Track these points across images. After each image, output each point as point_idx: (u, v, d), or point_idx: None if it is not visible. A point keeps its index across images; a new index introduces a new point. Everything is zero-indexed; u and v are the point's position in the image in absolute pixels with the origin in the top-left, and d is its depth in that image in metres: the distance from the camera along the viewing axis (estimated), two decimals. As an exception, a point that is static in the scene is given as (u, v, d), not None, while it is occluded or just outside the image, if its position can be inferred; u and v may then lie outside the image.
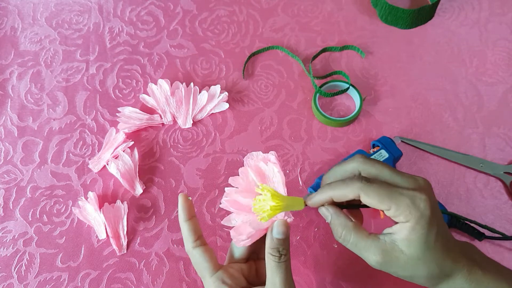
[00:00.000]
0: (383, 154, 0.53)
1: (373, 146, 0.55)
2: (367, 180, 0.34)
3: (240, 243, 0.37)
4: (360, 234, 0.35)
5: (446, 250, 0.34)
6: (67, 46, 0.65)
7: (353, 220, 0.36)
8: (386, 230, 0.35)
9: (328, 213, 0.36)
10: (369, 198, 0.33)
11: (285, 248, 0.36)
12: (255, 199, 0.36)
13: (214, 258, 0.39)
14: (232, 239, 0.39)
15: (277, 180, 0.38)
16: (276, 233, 0.36)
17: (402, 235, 0.33)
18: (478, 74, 0.61)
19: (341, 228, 0.35)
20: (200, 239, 0.39)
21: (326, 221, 0.37)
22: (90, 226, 0.52)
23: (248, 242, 0.38)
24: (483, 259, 0.36)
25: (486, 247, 0.50)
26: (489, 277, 0.34)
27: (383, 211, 0.34)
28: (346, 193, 0.34)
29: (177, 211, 0.42)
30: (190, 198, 0.39)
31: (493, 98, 0.60)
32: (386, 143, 0.54)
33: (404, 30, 0.65)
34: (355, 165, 0.36)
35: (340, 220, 0.36)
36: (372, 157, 0.53)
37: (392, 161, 0.53)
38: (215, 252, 0.45)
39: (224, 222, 0.39)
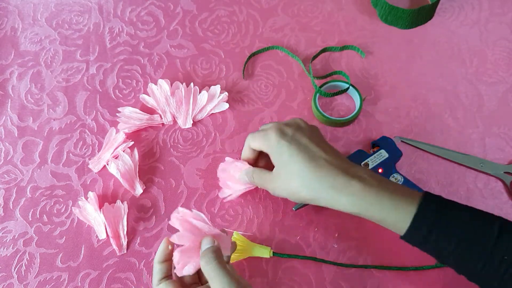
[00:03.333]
0: (383, 154, 0.53)
1: (373, 146, 0.55)
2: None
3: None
4: (261, 170, 0.48)
5: (321, 149, 0.44)
6: (67, 46, 0.65)
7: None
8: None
9: (243, 175, 0.49)
10: (255, 140, 0.47)
11: (210, 252, 0.39)
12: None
13: None
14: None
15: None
16: (203, 246, 0.40)
17: (274, 154, 0.45)
18: (478, 74, 0.61)
19: (249, 174, 0.49)
20: (166, 278, 0.41)
21: (248, 181, 0.49)
22: (90, 226, 0.52)
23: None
24: (368, 174, 0.43)
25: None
26: (373, 181, 0.42)
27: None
28: (244, 147, 0.50)
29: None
30: (170, 247, 0.42)
31: (493, 98, 0.60)
32: (386, 143, 0.54)
33: (404, 30, 0.65)
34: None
35: (246, 171, 0.49)
36: (372, 157, 0.53)
37: (392, 161, 0.53)
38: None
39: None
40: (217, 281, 0.37)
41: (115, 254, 0.51)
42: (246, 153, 0.50)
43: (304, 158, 0.43)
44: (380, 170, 0.52)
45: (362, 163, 0.53)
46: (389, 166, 0.53)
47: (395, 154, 0.53)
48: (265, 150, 0.46)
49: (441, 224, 0.39)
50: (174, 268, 0.40)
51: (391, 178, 0.52)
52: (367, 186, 0.41)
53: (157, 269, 0.41)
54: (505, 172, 0.54)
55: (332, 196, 0.41)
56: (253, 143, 0.48)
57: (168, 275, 0.42)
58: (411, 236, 0.40)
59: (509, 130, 0.57)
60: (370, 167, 0.53)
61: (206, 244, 0.39)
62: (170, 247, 0.42)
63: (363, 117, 0.59)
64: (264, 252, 0.49)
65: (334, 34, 0.65)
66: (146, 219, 0.53)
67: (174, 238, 0.39)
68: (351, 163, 0.44)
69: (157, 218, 0.53)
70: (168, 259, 0.42)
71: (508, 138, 0.57)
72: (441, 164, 0.56)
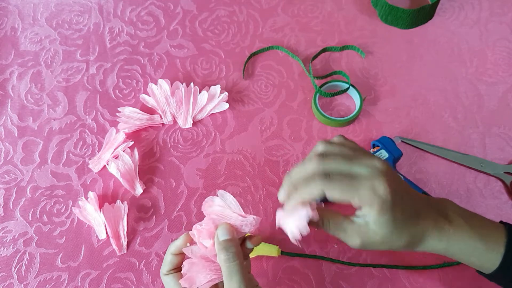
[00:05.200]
0: (383, 154, 0.53)
1: (373, 146, 0.55)
2: (327, 177, 0.35)
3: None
4: (336, 219, 0.37)
5: (416, 218, 0.37)
6: (67, 46, 0.65)
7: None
8: (358, 212, 0.36)
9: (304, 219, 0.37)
10: (333, 193, 0.35)
11: (232, 246, 0.37)
12: None
13: None
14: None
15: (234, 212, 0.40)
16: (221, 236, 0.38)
17: (372, 217, 0.35)
18: (478, 74, 0.61)
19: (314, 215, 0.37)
20: (175, 270, 0.41)
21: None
22: (90, 226, 0.52)
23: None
24: (456, 213, 0.39)
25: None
26: (459, 232, 0.37)
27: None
28: (311, 193, 0.36)
29: (177, 236, 0.44)
30: (188, 244, 0.41)
31: (493, 98, 0.60)
32: (386, 143, 0.54)
33: (404, 30, 0.65)
34: (314, 164, 0.36)
35: (309, 211, 0.37)
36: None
37: (392, 161, 0.53)
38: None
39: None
40: (234, 282, 0.36)
41: (115, 254, 0.51)
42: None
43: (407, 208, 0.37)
44: (380, 170, 0.52)
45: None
46: (389, 166, 0.53)
47: (395, 154, 0.53)
48: (364, 206, 0.35)
49: None
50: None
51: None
52: (458, 229, 0.37)
53: (169, 259, 0.41)
54: (505, 172, 0.54)
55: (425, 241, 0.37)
56: (338, 191, 0.35)
57: (178, 267, 0.41)
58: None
59: (509, 130, 0.57)
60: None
61: (224, 234, 0.38)
62: (188, 244, 0.40)
63: (363, 117, 0.59)
64: (272, 251, 0.49)
65: (334, 34, 0.65)
66: (146, 219, 0.53)
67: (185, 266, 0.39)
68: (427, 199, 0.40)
69: (157, 218, 0.53)
70: (182, 253, 0.41)
71: (508, 138, 0.57)
72: (441, 164, 0.56)
